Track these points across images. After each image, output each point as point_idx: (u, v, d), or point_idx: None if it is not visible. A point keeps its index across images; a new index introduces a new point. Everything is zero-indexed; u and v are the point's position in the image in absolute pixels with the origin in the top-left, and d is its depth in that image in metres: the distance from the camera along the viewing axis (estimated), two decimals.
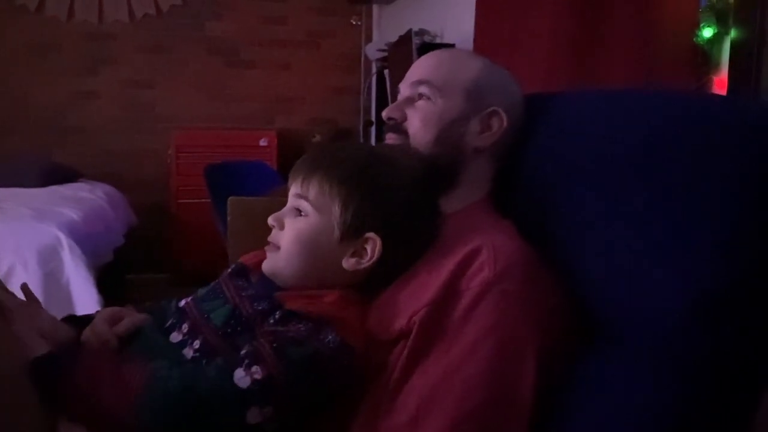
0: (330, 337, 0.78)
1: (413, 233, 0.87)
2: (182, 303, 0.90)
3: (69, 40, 3.79)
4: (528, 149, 0.99)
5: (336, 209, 0.84)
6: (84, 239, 2.44)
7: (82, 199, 2.92)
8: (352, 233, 0.84)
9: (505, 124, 0.97)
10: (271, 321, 0.81)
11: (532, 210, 0.95)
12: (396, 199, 0.85)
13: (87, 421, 0.73)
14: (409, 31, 2.71)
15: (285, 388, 0.73)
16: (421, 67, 1.01)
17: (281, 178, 3.26)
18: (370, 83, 3.94)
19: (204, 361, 0.78)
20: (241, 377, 0.72)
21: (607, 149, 0.86)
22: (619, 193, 0.82)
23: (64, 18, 3.74)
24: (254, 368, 0.72)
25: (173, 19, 3.87)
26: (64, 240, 2.34)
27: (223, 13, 3.94)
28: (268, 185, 2.92)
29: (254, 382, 0.72)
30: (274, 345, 0.75)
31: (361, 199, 0.84)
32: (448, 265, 0.82)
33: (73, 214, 2.59)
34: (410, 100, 0.98)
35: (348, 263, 0.85)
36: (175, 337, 0.84)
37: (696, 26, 1.53)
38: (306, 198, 0.86)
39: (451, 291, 0.80)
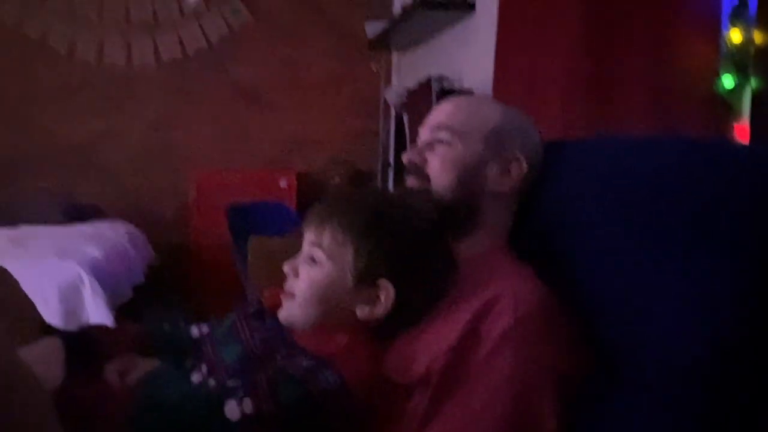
0: (330, 377, 0.78)
1: (428, 280, 0.87)
2: (195, 332, 0.91)
3: (97, 81, 3.90)
4: (547, 194, 1.00)
5: (349, 257, 0.85)
6: (105, 277, 2.46)
7: (104, 237, 2.96)
8: (365, 281, 0.85)
9: (524, 169, 0.98)
10: (278, 357, 0.82)
11: (551, 254, 0.96)
12: (410, 246, 0.86)
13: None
14: (429, 77, 2.76)
15: (273, 424, 0.73)
16: (441, 113, 1.03)
17: (300, 220, 3.28)
18: (388, 127, 3.99)
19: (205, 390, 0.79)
20: (231, 408, 0.73)
21: (626, 196, 0.87)
22: (638, 240, 0.83)
23: (94, 61, 3.86)
24: (245, 401, 0.73)
25: (198, 63, 3.97)
26: (86, 278, 2.36)
27: (246, 57, 4.04)
28: (287, 226, 2.95)
29: (243, 416, 0.72)
30: (270, 380, 0.75)
31: (373, 246, 0.84)
32: (468, 311, 0.82)
33: (94, 252, 2.62)
34: (430, 145, 1.00)
35: (361, 311, 0.85)
36: (196, 378, 0.85)
37: (716, 75, 1.54)
38: (320, 246, 0.87)
39: (471, 337, 0.80)
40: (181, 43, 3.92)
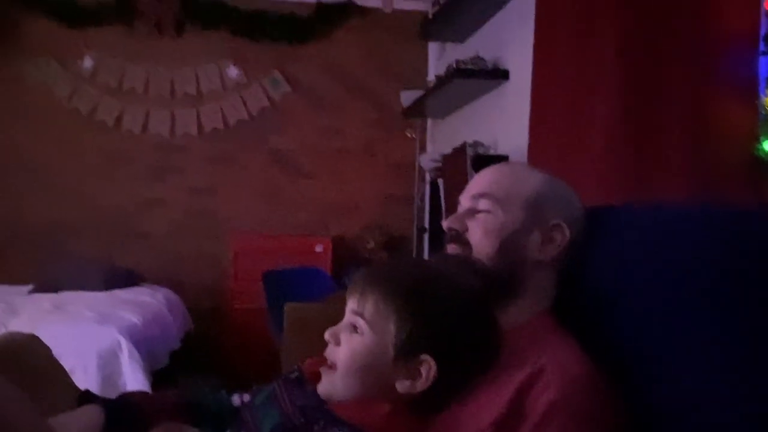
0: None
1: (471, 354, 0.85)
2: (237, 401, 0.91)
3: (141, 151, 4.04)
4: (589, 263, 0.99)
5: (390, 329, 0.83)
6: (142, 343, 2.48)
7: (142, 303, 3.00)
8: (406, 354, 0.83)
9: (567, 237, 0.97)
10: (316, 428, 0.80)
11: (595, 325, 0.93)
12: (453, 320, 0.84)
13: None
14: (464, 143, 2.79)
15: None
16: (481, 181, 1.03)
17: (335, 284, 3.29)
18: (423, 192, 4.02)
19: None
20: None
21: (669, 268, 0.85)
22: (683, 313, 0.80)
23: (139, 132, 4.01)
24: None
25: (238, 132, 4.10)
26: (124, 344, 2.38)
27: (285, 126, 4.15)
28: (322, 291, 2.95)
29: None
30: None
31: (415, 320, 0.83)
32: (511, 384, 0.80)
33: (133, 318, 2.65)
34: (471, 212, 1.00)
35: (402, 386, 0.83)
36: None
37: (755, 139, 1.52)
38: (362, 315, 0.85)
39: (515, 411, 0.78)
40: (222, 114, 4.06)
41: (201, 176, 4.10)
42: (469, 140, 2.84)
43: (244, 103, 4.08)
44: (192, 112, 4.04)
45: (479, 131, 3.09)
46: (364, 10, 4.13)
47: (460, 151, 2.74)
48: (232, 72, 4.06)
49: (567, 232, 0.97)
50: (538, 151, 1.95)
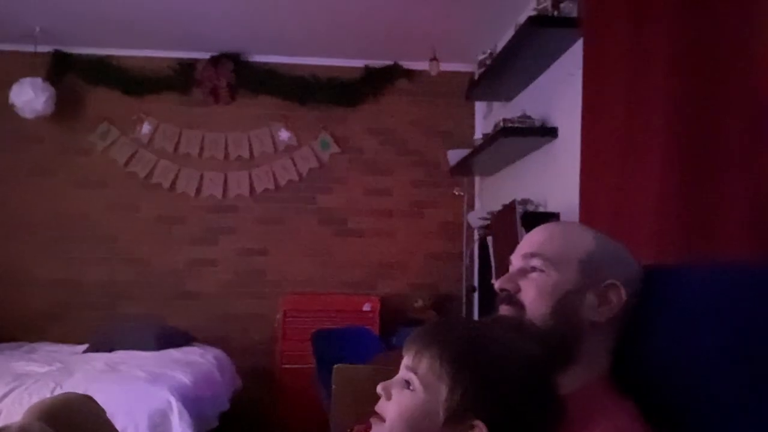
0: None
1: (526, 423, 0.81)
2: None
3: (194, 212, 4.16)
4: (647, 326, 0.95)
5: (443, 390, 0.81)
6: (193, 404, 2.48)
7: (193, 363, 3.02)
8: (457, 418, 0.80)
9: (623, 297, 0.94)
10: None
11: (654, 391, 0.89)
12: (509, 388, 0.80)
13: None
14: (512, 200, 2.77)
15: None
16: (532, 240, 1.02)
17: (383, 344, 3.25)
18: (472, 250, 3.99)
19: None
20: None
21: (732, 332, 0.81)
22: (750, 381, 0.76)
23: (193, 194, 4.14)
24: None
25: (289, 193, 4.19)
26: (175, 404, 2.39)
27: (333, 187, 4.22)
28: (370, 351, 2.92)
29: None
30: None
31: (469, 383, 0.80)
32: None
33: (184, 379, 2.66)
34: (523, 272, 0.98)
35: None
36: None
37: None
38: (416, 372, 0.84)
39: None
40: (273, 175, 4.16)
41: (252, 236, 4.18)
42: (518, 197, 2.83)
43: (294, 165, 4.18)
44: (244, 174, 4.16)
45: (528, 188, 3.08)
46: (410, 73, 4.23)
47: (509, 208, 2.72)
48: (283, 135, 4.18)
49: (623, 293, 0.94)
50: (590, 209, 1.92)
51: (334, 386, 2.23)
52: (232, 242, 4.17)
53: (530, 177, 3.17)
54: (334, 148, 4.22)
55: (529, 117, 2.93)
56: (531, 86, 3.20)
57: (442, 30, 3.68)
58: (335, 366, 2.26)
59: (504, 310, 0.98)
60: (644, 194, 1.63)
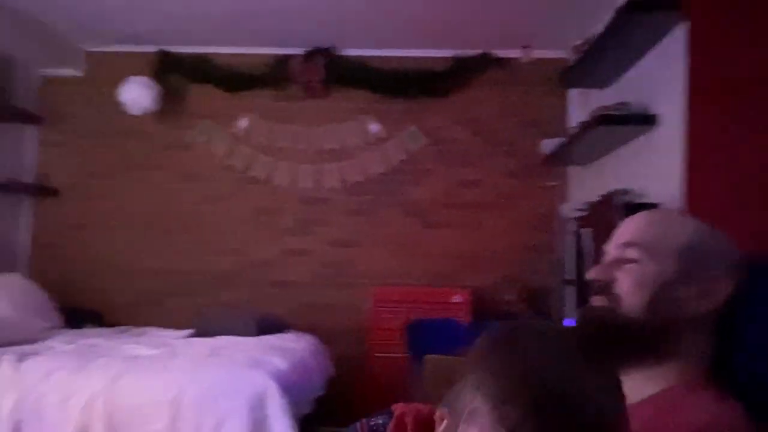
0: None
1: None
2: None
3: (288, 204, 4.28)
4: (754, 321, 0.89)
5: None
6: (290, 389, 2.56)
7: (289, 349, 3.11)
8: None
9: (725, 290, 0.89)
10: None
11: (761, 390, 0.84)
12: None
13: None
14: (610, 191, 2.68)
15: None
16: (629, 229, 0.97)
17: (473, 337, 3.24)
18: (566, 243, 3.89)
19: None
20: None
21: None
22: None
23: (287, 186, 4.26)
24: None
25: (378, 185, 4.23)
26: (274, 388, 2.47)
27: (422, 178, 4.23)
28: (460, 343, 2.91)
29: None
30: None
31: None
32: None
33: (282, 364, 2.75)
34: (618, 262, 0.94)
35: None
36: None
37: None
38: (468, 409, 0.70)
39: None
40: (363, 168, 4.22)
41: (342, 228, 4.26)
42: (616, 188, 2.73)
43: (384, 157, 4.22)
44: (336, 167, 4.24)
45: (626, 178, 2.97)
46: (500, 61, 4.17)
47: (607, 199, 2.63)
48: (374, 128, 4.23)
49: (725, 285, 0.89)
50: (697, 198, 1.82)
51: (425, 375, 2.25)
52: (324, 233, 4.27)
53: (628, 166, 3.05)
54: (423, 140, 4.22)
55: (627, 104, 2.82)
56: (629, 72, 3.08)
57: (534, 16, 3.60)
58: (426, 356, 2.27)
59: (597, 301, 0.95)
60: (763, 181, 1.53)
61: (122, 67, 4.18)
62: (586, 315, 0.96)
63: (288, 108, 4.27)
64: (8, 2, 3.58)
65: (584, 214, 3.13)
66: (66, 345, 3.09)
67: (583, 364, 0.67)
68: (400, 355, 3.30)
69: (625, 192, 2.67)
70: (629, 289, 0.91)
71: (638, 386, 0.87)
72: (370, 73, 4.20)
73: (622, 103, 2.81)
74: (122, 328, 3.85)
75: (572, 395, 0.64)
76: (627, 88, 3.07)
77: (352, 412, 3.79)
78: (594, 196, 3.01)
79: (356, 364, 3.94)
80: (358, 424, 0.92)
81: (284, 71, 4.22)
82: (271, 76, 4.23)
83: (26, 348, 2.87)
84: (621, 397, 0.67)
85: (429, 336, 2.94)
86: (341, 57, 4.22)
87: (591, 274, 0.97)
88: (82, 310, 3.98)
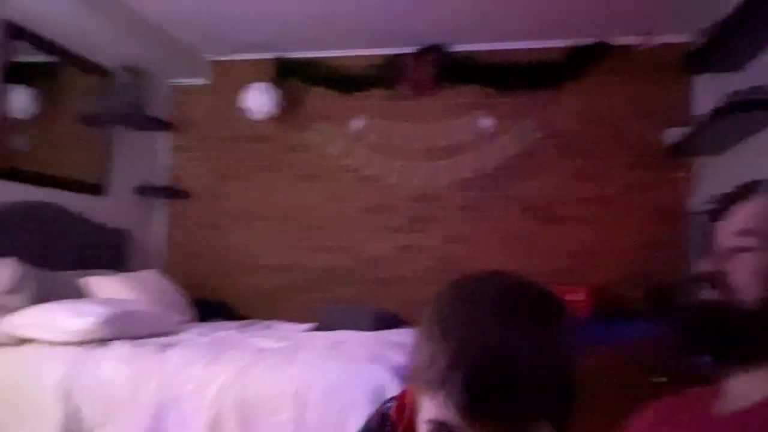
0: None
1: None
2: None
3: (400, 202, 4.34)
4: None
5: None
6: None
7: (405, 345, 3.15)
8: None
9: None
10: None
11: None
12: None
13: None
14: (745, 182, 2.50)
15: None
16: (744, 216, 0.91)
17: (593, 336, 3.13)
18: (691, 237, 3.67)
19: None
20: None
21: None
22: None
23: (400, 184, 4.32)
24: None
25: (491, 180, 4.20)
26: (394, 384, 2.52)
27: (536, 173, 4.14)
28: (581, 342, 2.83)
29: None
30: None
31: None
32: None
33: (399, 359, 2.79)
34: (732, 252, 0.89)
35: None
36: None
37: None
38: None
39: None
40: (476, 164, 4.20)
41: (454, 225, 4.25)
42: (752, 178, 2.55)
43: (497, 152, 4.18)
44: (448, 163, 4.25)
45: (762, 168, 2.76)
46: (617, 49, 4.00)
47: (743, 190, 2.46)
48: (485, 123, 4.20)
49: None
50: None
51: None
52: (436, 230, 4.28)
53: (764, 155, 2.84)
54: (537, 134, 4.14)
55: (763, 88, 2.62)
56: (763, 55, 2.86)
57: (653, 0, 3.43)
58: None
59: (708, 294, 0.90)
60: None
61: (244, 74, 4.41)
62: (697, 310, 0.91)
63: (399, 107, 4.33)
64: (140, 18, 3.87)
65: (712, 206, 2.94)
66: (200, 337, 3.30)
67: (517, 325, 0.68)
68: None
69: (761, 183, 2.48)
70: (745, 281, 0.85)
71: (758, 385, 0.82)
72: (480, 68, 4.17)
73: (758, 87, 2.62)
74: (249, 321, 4.06)
75: (506, 357, 0.64)
76: (762, 72, 2.85)
77: None
78: (724, 188, 2.82)
79: None
80: (375, 410, 0.95)
81: (395, 71, 4.28)
82: (382, 77, 4.31)
83: (166, 339, 3.10)
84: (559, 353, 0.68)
85: None
86: (451, 53, 4.22)
87: (702, 266, 0.92)
88: (212, 304, 4.24)
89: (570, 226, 4.08)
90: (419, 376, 0.68)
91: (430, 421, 0.66)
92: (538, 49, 4.11)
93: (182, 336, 3.30)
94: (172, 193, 4.60)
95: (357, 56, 4.36)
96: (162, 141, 4.69)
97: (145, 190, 4.46)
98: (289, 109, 4.43)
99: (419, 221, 4.32)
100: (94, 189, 4.03)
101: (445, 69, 4.21)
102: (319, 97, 4.45)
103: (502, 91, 4.17)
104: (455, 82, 4.23)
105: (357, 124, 4.38)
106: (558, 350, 0.70)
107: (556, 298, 0.75)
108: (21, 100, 3.51)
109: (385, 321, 3.63)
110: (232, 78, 4.51)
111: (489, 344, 0.65)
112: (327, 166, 4.44)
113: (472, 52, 4.20)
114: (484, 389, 0.63)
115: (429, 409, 0.66)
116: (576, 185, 4.09)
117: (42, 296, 3.02)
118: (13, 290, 2.98)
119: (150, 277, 3.84)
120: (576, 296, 3.72)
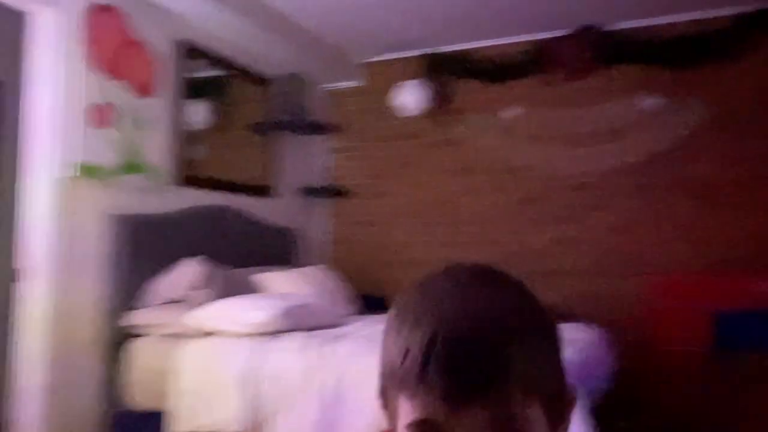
0: None
1: None
2: None
3: (557, 191, 4.20)
4: None
5: None
6: (582, 379, 2.51)
7: (576, 339, 3.02)
8: None
9: None
10: None
11: None
12: None
13: None
14: None
15: None
16: None
17: None
18: None
19: None
20: None
21: None
22: None
23: (556, 173, 4.18)
24: None
25: (655, 165, 3.94)
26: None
27: (707, 155, 3.82)
28: None
29: None
30: None
31: None
32: None
33: (569, 354, 2.71)
34: None
35: None
36: None
37: None
38: None
39: None
40: (638, 148, 3.96)
41: (617, 212, 4.04)
42: None
43: (662, 134, 3.91)
44: (609, 148, 4.04)
45: None
46: None
47: None
48: (647, 103, 3.94)
49: None
50: None
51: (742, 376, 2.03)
52: (597, 219, 4.10)
53: None
54: (707, 112, 3.81)
55: None
56: None
57: None
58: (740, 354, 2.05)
59: None
60: None
61: (395, 73, 4.50)
62: None
63: (554, 93, 4.19)
64: (296, 27, 4.08)
65: None
66: (362, 329, 3.40)
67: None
68: (693, 349, 3.03)
69: None
70: None
71: None
72: (638, 46, 3.93)
73: None
74: None
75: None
76: None
77: (640, 408, 3.61)
78: None
79: (639, 357, 3.71)
80: None
81: (546, 56, 4.15)
82: (534, 63, 4.19)
83: (333, 332, 3.23)
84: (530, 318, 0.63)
85: (741, 329, 2.65)
86: (605, 33, 4.01)
87: None
88: (373, 297, 4.37)
89: (746, 209, 3.72)
90: (392, 377, 0.62)
91: (410, 425, 0.59)
92: (702, 20, 3.78)
93: (348, 328, 3.43)
94: (333, 192, 4.81)
95: (506, 44, 4.29)
96: (322, 143, 4.90)
97: (309, 191, 4.71)
98: (439, 104, 4.45)
99: (580, 210, 4.15)
100: (263, 191, 4.32)
101: (602, 49, 4.01)
102: (468, 90, 4.42)
103: (664, 67, 3.88)
104: (614, 62, 4.01)
105: (509, 113, 4.30)
106: (540, 308, 0.66)
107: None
108: (198, 113, 3.85)
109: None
110: (383, 78, 4.61)
111: (465, 316, 0.60)
112: (479, 159, 4.41)
113: (628, 29, 3.96)
114: (466, 367, 0.57)
115: (408, 411, 0.59)
116: (748, 166, 3.72)
117: (224, 292, 3.29)
118: (199, 286, 3.27)
119: (317, 272, 4.04)
120: (761, 286, 3.39)
